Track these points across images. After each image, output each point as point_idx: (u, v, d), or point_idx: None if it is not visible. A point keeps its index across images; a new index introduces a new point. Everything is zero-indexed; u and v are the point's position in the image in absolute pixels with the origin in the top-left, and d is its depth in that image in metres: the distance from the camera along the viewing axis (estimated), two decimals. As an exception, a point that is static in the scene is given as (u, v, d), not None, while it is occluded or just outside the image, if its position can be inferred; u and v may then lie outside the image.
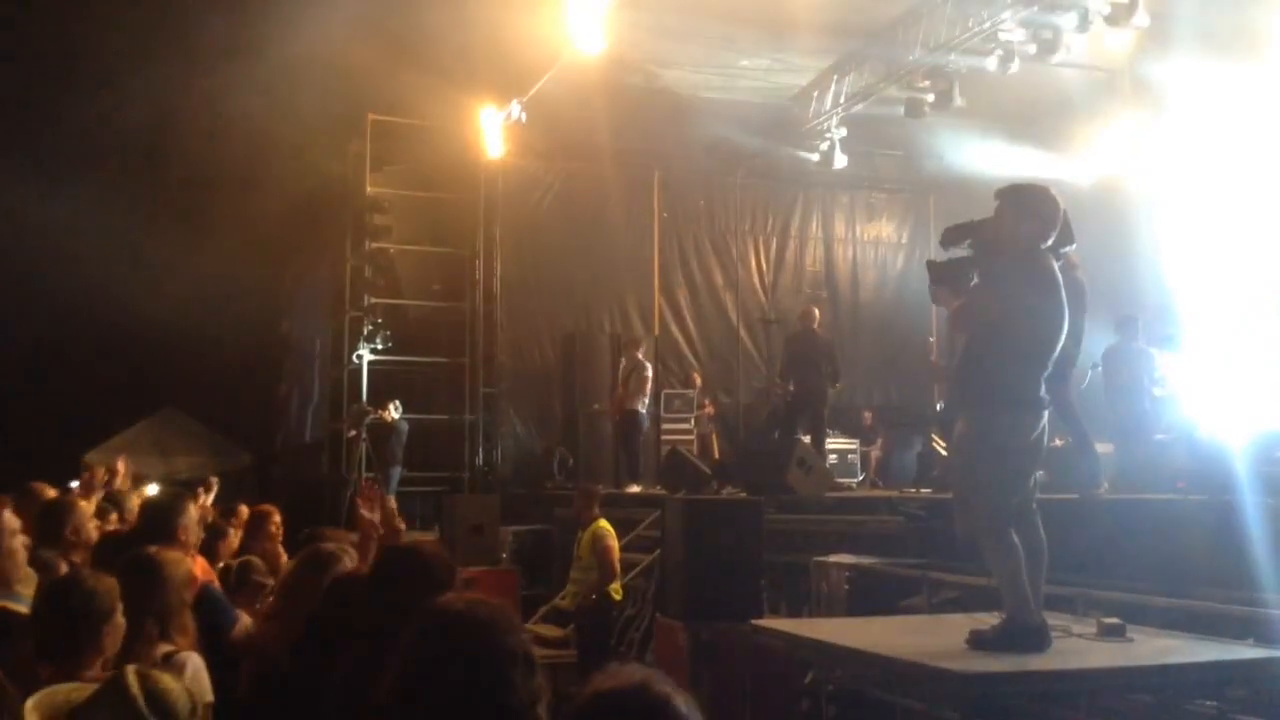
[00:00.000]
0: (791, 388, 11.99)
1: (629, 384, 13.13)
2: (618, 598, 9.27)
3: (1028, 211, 4.66)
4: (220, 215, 16.22)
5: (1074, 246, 6.54)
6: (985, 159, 14.01)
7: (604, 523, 9.41)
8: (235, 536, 6.19)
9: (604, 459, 14.54)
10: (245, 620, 4.27)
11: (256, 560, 5.37)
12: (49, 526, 4.55)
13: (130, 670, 2.40)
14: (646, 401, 13.39)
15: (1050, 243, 4.68)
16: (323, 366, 16.69)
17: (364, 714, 2.26)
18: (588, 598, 9.13)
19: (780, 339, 13.75)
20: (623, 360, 13.71)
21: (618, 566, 9.25)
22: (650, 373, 13.40)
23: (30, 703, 2.56)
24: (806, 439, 11.18)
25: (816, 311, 12.54)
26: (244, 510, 6.77)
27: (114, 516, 5.49)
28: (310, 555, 3.79)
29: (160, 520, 4.28)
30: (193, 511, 4.44)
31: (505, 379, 15.74)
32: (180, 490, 5.20)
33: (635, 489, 12.64)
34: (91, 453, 15.97)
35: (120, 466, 7.07)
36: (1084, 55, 12.56)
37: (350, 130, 15.39)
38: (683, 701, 1.75)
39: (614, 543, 9.32)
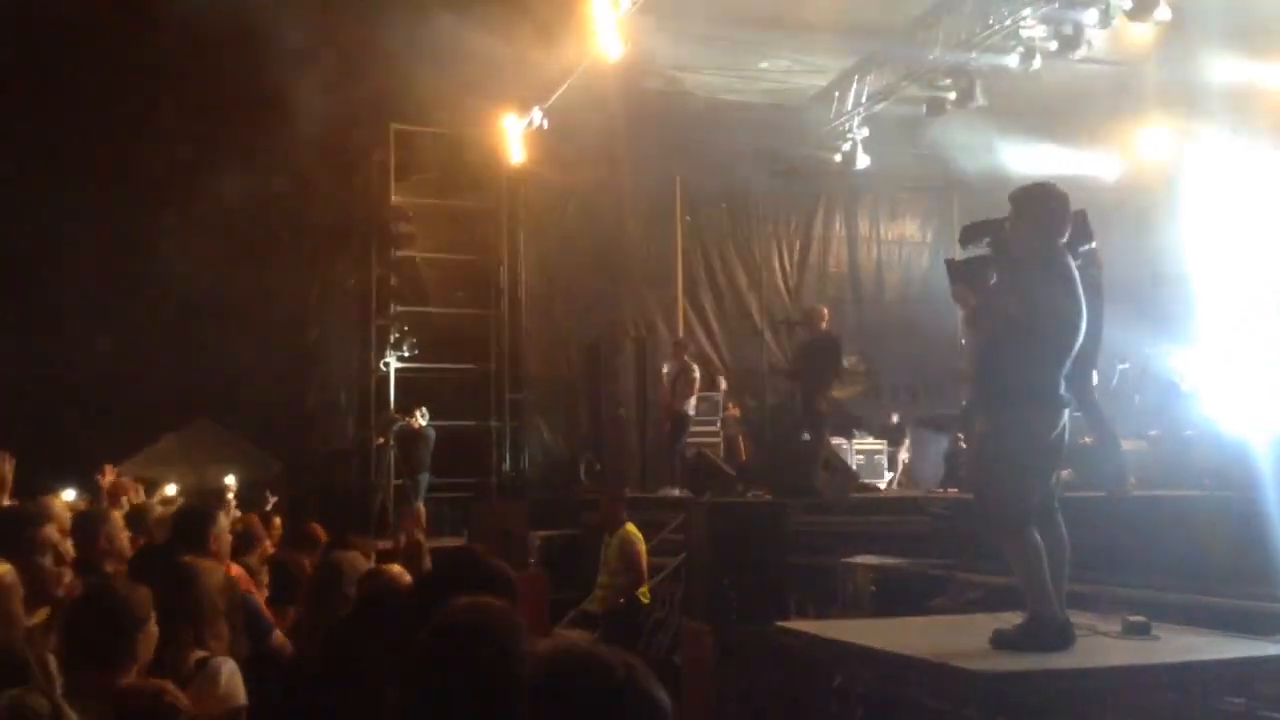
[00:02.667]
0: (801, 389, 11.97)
1: (676, 387, 13.13)
2: (645, 601, 9.31)
3: (1038, 211, 4.68)
4: (249, 228, 16.39)
5: (1094, 244, 6.53)
6: (1008, 157, 13.97)
7: (631, 527, 9.46)
8: (269, 544, 6.31)
9: (630, 463, 14.60)
10: (278, 633, 4.35)
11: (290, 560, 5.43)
12: (84, 536, 4.67)
13: None
14: (693, 403, 13.40)
15: (1065, 241, 4.70)
16: (350, 375, 16.82)
17: None
18: (616, 602, 9.17)
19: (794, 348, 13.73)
20: (666, 365, 13.69)
21: (646, 571, 9.29)
22: (697, 374, 13.36)
23: None
24: (837, 441, 11.15)
25: (824, 310, 12.48)
26: (276, 520, 6.88)
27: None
28: (332, 565, 3.88)
29: (192, 530, 4.39)
30: (223, 521, 4.54)
31: (531, 385, 15.81)
32: (211, 500, 5.30)
33: (676, 493, 12.61)
34: (123, 465, 16.16)
35: (125, 482, 7.19)
36: (1106, 51, 12.51)
37: (373, 140, 15.53)
38: (644, 670, 1.75)
39: (642, 547, 9.36)
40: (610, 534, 9.54)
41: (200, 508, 4.75)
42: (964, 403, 11.21)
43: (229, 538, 4.60)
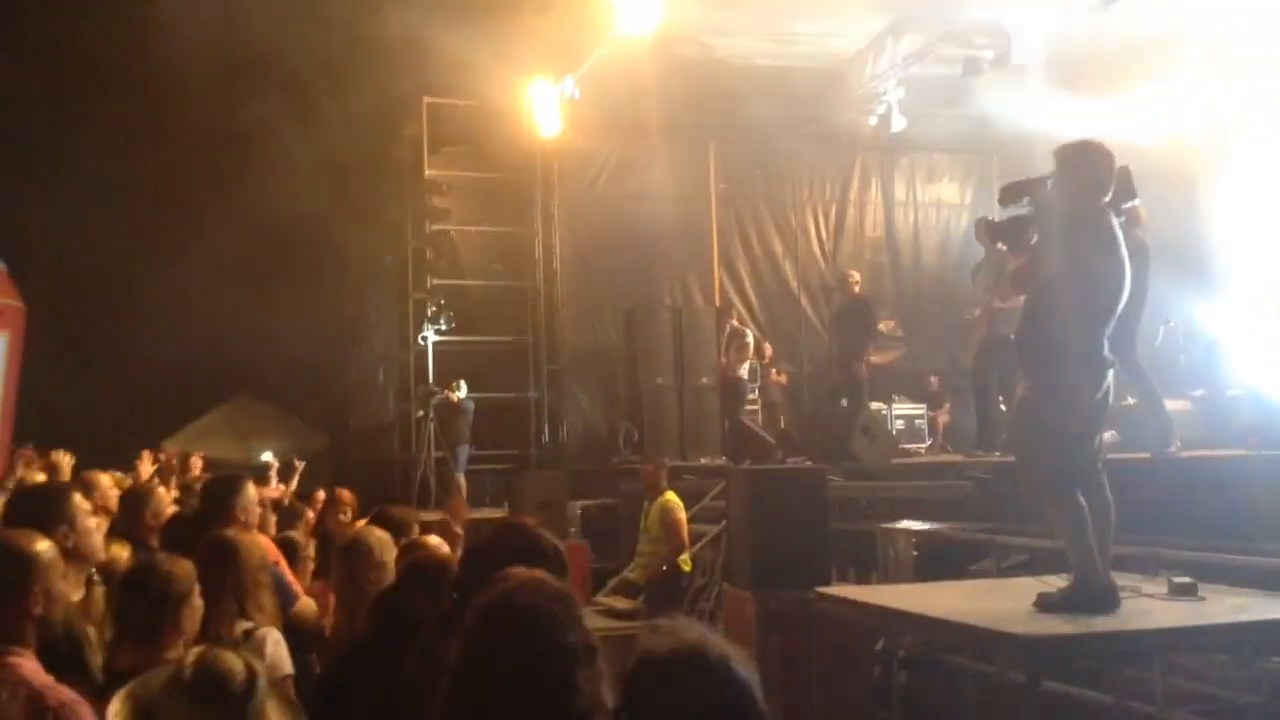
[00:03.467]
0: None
1: (730, 352, 13.05)
2: (687, 569, 9.35)
3: (1081, 169, 4.60)
4: (285, 204, 16.49)
5: (1138, 202, 6.42)
6: (1047, 116, 13.71)
7: (672, 495, 9.48)
8: (311, 518, 6.38)
9: (669, 432, 14.59)
10: (304, 599, 4.40)
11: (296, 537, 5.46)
12: (130, 511, 4.77)
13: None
14: (748, 367, 13.31)
15: (1108, 199, 4.61)
16: (390, 349, 16.93)
17: (434, 697, 2.23)
18: (657, 569, 9.21)
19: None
20: (726, 330, 13.53)
21: (687, 538, 9.32)
22: (750, 339, 13.24)
23: (123, 691, 2.66)
24: (876, 406, 11.10)
25: (852, 276, 12.38)
26: (319, 493, 6.95)
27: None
28: (356, 539, 3.92)
29: (219, 500, 4.46)
30: (251, 492, 4.59)
31: (568, 355, 15.84)
32: (240, 472, 5.35)
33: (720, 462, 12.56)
34: (168, 440, 16.39)
35: (183, 459, 7.31)
36: (1148, 5, 12.24)
37: (407, 114, 15.54)
38: (739, 661, 1.75)
39: (682, 515, 9.40)
40: (650, 502, 9.58)
41: (228, 478, 4.80)
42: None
43: (258, 509, 4.64)
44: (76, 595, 3.44)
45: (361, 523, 5.83)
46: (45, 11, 15.77)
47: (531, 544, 2.84)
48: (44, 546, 2.88)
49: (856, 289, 12.03)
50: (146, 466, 7.27)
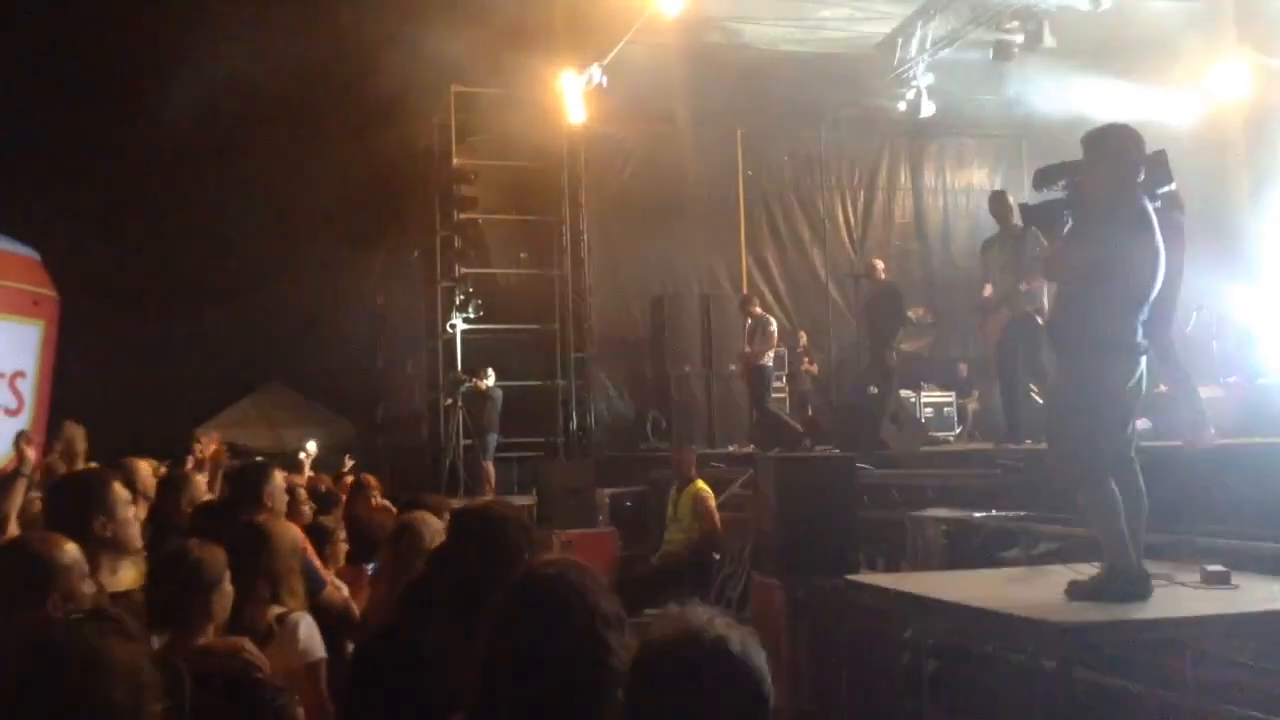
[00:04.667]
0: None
1: (754, 341, 13.00)
2: (716, 557, 9.37)
3: (1111, 154, 4.55)
4: (316, 195, 16.59)
5: (1173, 185, 6.34)
6: (1079, 100, 13.58)
7: (702, 483, 9.51)
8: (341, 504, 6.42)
9: (696, 420, 14.60)
10: (332, 586, 4.44)
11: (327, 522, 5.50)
12: (167, 498, 4.83)
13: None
14: (773, 355, 13.24)
15: (1142, 183, 4.56)
16: (418, 337, 17.02)
17: (461, 677, 2.28)
18: (686, 556, 9.25)
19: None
20: (748, 321, 13.47)
21: (719, 524, 9.34)
22: (775, 327, 13.17)
23: None
24: (905, 394, 11.03)
25: (878, 264, 12.28)
26: (347, 479, 6.99)
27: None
28: (407, 524, 3.93)
29: (247, 488, 4.50)
30: (279, 479, 4.64)
31: (596, 344, 15.86)
32: (267, 460, 5.40)
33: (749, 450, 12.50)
34: (201, 428, 16.56)
35: (213, 444, 7.33)
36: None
37: (435, 103, 15.58)
38: (740, 639, 1.75)
39: (713, 502, 9.44)
40: (679, 490, 9.59)
41: (255, 465, 4.86)
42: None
43: (285, 495, 4.69)
44: (114, 583, 3.47)
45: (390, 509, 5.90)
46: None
47: (495, 525, 2.90)
48: (64, 549, 2.89)
49: (884, 276, 11.95)
50: (208, 447, 7.29)
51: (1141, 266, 4.52)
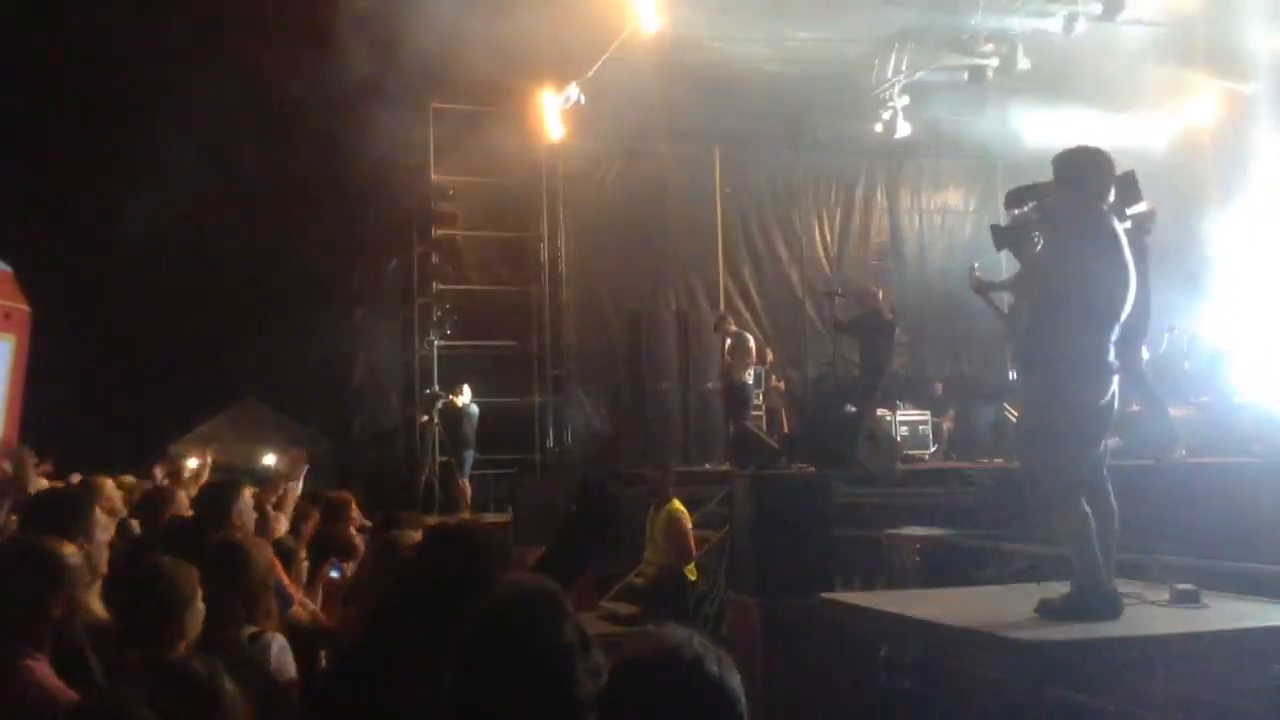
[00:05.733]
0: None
1: (733, 357, 12.99)
2: (692, 578, 9.33)
3: (1079, 175, 4.61)
4: (292, 209, 16.54)
5: (1143, 206, 6.42)
6: (1052, 124, 13.74)
7: (678, 503, 9.45)
8: (314, 521, 6.37)
9: (673, 437, 14.60)
10: (299, 603, 4.42)
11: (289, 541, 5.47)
12: (150, 513, 4.79)
13: None
14: (752, 372, 13.22)
15: (1111, 203, 4.62)
16: (394, 354, 16.96)
17: (432, 701, 2.27)
18: (661, 577, 9.21)
19: (845, 312, 13.60)
20: (726, 336, 13.47)
21: (693, 548, 9.30)
22: (753, 343, 13.14)
23: None
24: (881, 412, 11.10)
25: (876, 290, 12.40)
26: (322, 497, 6.93)
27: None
28: (384, 542, 3.92)
29: (216, 506, 4.46)
30: (248, 497, 4.60)
31: (573, 360, 15.86)
32: (236, 478, 5.36)
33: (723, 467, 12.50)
34: (176, 444, 16.44)
35: (203, 460, 7.29)
36: (1153, 12, 12.25)
37: (413, 119, 15.56)
38: (717, 661, 1.75)
39: (688, 524, 9.36)
40: (657, 509, 9.56)
41: (224, 483, 4.81)
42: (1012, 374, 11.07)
43: (253, 514, 4.65)
44: (97, 606, 3.44)
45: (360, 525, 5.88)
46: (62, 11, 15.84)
47: (468, 544, 2.90)
48: (70, 551, 2.90)
49: (880, 299, 12.08)
50: (194, 463, 7.23)
51: (1112, 286, 4.57)
